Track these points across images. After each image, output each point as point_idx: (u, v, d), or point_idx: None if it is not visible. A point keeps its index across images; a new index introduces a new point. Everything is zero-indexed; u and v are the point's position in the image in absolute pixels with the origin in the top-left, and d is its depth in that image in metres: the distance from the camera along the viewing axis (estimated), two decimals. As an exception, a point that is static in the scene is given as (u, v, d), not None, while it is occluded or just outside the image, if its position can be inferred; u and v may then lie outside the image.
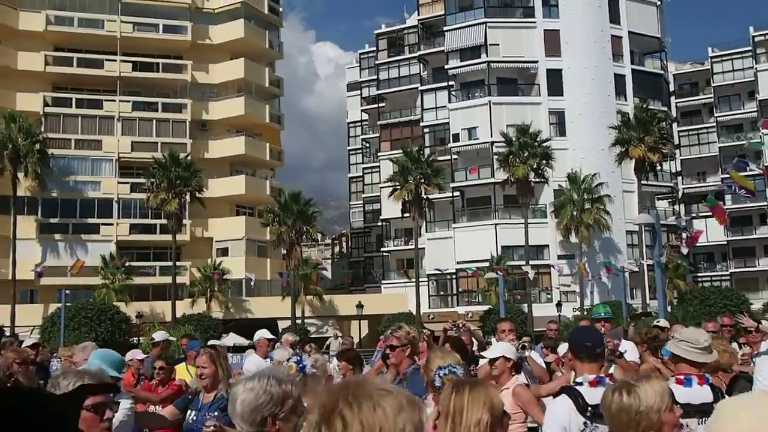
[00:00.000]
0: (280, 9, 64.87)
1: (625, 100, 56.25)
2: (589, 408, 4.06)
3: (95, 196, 54.84)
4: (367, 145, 70.24)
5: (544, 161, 49.04)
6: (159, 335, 10.58)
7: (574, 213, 50.31)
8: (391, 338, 5.86)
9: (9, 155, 47.26)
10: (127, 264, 50.55)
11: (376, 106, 65.75)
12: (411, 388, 4.43)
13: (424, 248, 54.69)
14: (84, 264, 47.22)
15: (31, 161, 48.11)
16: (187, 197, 49.07)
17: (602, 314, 8.61)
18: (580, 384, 4.43)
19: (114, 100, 56.41)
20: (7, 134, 47.56)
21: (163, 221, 51.14)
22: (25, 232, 49.87)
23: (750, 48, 69.09)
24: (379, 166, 63.31)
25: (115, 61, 56.51)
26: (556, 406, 4.33)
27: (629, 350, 7.65)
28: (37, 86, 54.93)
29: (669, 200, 60.26)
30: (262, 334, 10.16)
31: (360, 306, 48.25)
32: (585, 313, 43.57)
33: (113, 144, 55.62)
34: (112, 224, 54.56)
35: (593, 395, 3.95)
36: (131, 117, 56.63)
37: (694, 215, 66.57)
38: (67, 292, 38.36)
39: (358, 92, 73.33)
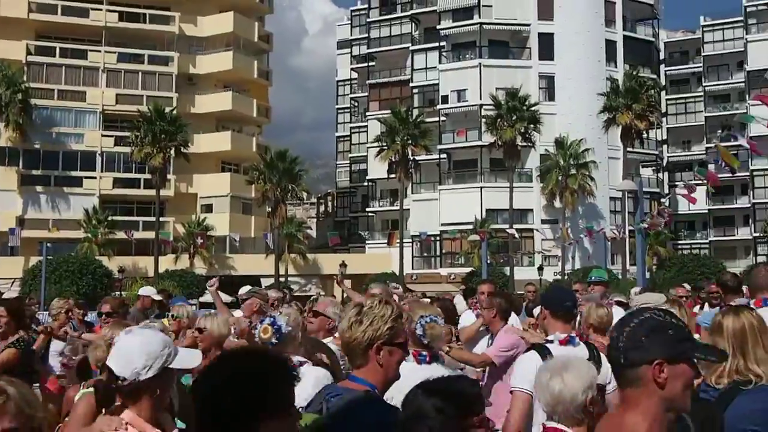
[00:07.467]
0: (270, -38, 63.80)
1: (616, 66, 56.01)
2: None
3: (78, 148, 54.26)
4: (356, 104, 69.70)
5: (531, 125, 49.02)
6: (145, 291, 10.37)
7: (560, 178, 50.51)
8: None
9: (-9, 104, 46.67)
10: (110, 218, 50.29)
11: (366, 65, 65.08)
12: None
13: (409, 209, 54.76)
14: (58, 229, 47.10)
15: (12, 111, 47.55)
16: (172, 152, 48.65)
17: (594, 278, 8.70)
18: (551, 342, 4.52)
19: (99, 51, 55.50)
20: (-11, 83, 46.94)
21: (148, 176, 50.80)
22: (6, 184, 49.40)
23: (742, 18, 68.73)
24: (367, 126, 62.89)
25: (101, 10, 55.49)
26: (525, 361, 4.40)
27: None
28: (20, 34, 53.87)
29: (653, 168, 60.53)
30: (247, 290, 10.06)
31: (344, 265, 48.37)
32: (566, 277, 44.07)
33: (97, 96, 54.87)
34: (95, 177, 54.10)
35: (561, 354, 3.99)
36: (116, 69, 55.81)
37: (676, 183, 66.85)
38: (49, 245, 38.15)
39: (349, 50, 72.54)
